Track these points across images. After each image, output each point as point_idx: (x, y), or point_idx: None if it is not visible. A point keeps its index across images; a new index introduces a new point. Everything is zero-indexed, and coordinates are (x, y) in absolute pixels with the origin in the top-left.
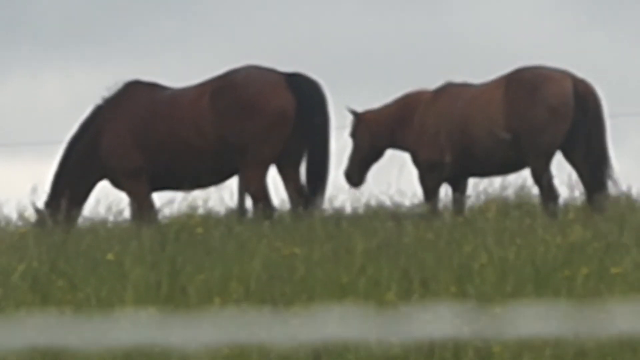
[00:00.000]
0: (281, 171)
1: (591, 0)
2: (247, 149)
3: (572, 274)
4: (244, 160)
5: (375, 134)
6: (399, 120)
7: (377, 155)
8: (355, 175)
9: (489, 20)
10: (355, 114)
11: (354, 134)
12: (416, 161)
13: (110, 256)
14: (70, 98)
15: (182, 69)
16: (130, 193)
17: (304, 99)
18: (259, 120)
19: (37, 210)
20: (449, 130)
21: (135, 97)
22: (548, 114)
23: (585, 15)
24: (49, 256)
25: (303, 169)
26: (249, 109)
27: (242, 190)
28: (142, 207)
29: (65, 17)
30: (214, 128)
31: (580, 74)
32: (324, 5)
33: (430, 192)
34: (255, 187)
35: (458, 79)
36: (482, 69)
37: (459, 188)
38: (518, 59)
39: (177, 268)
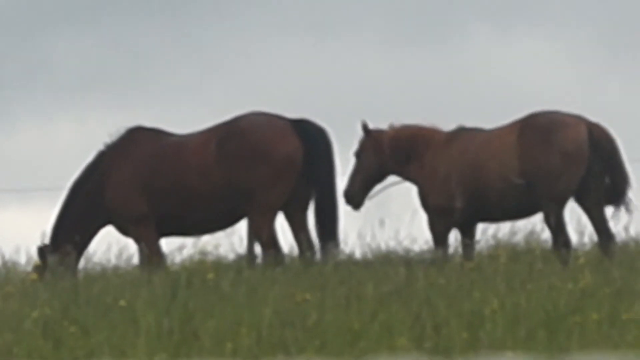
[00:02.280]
0: (288, 217)
1: (608, 44)
2: (254, 195)
3: (584, 320)
4: (251, 207)
5: (384, 156)
6: (410, 151)
7: (381, 177)
8: (357, 196)
9: (504, 65)
10: (367, 131)
11: (359, 153)
12: (426, 206)
13: (122, 302)
14: (85, 145)
15: (197, 115)
16: (137, 239)
17: (310, 144)
18: (266, 166)
19: (41, 252)
20: (461, 176)
21: (139, 143)
22: (563, 160)
23: (602, 60)
24: (61, 302)
25: (312, 216)
26: (256, 155)
27: (251, 236)
28: (150, 253)
29: (80, 64)
30: (220, 174)
31: (597, 119)
32: (333, 51)
33: (439, 237)
34: (263, 234)
35: (471, 123)
36: (496, 114)
37: (468, 233)
38: (533, 104)
39: (188, 314)
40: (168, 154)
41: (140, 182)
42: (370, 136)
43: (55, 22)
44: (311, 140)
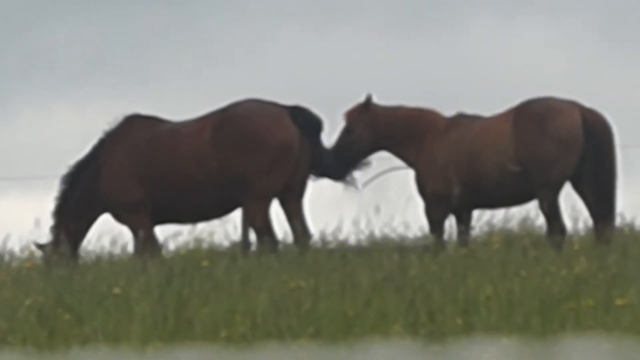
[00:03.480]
0: (283, 204)
1: (606, 33)
2: (249, 182)
3: (578, 306)
4: (246, 194)
5: (381, 132)
6: (409, 130)
7: (371, 152)
8: (343, 169)
9: (504, 53)
10: (368, 104)
11: (353, 126)
12: (423, 192)
13: (116, 290)
14: (84, 133)
15: (198, 104)
16: (131, 227)
17: (306, 132)
18: (262, 153)
19: (39, 247)
20: (459, 163)
21: (135, 130)
22: (557, 146)
23: (600, 48)
24: (55, 290)
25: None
26: (252, 142)
27: (246, 223)
28: (145, 241)
29: (79, 52)
30: (215, 161)
31: (594, 104)
32: (334, 39)
33: (436, 224)
34: (258, 221)
35: (472, 111)
36: (496, 101)
37: (463, 220)
38: (533, 92)
39: (183, 301)
40: (163, 141)
41: (135, 169)
42: (370, 111)
43: (54, 10)
44: (307, 127)
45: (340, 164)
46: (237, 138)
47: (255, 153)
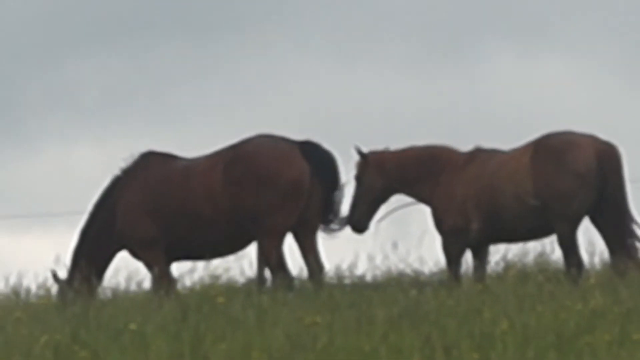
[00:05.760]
0: (298, 239)
1: (624, 66)
2: (261, 219)
3: (594, 341)
4: (258, 230)
5: (391, 175)
6: (422, 169)
7: (384, 198)
8: (363, 219)
9: (526, 87)
10: (363, 155)
11: (360, 177)
12: (440, 228)
13: (132, 326)
14: (106, 169)
15: (219, 139)
16: (146, 263)
17: (318, 167)
18: (273, 190)
19: (58, 280)
20: (478, 197)
21: (149, 167)
22: (575, 180)
23: (618, 81)
24: (71, 327)
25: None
26: (262, 179)
27: (262, 259)
28: (160, 277)
29: (102, 87)
30: (227, 198)
31: (612, 138)
32: (356, 73)
33: (453, 259)
34: (271, 258)
35: (493, 145)
36: (518, 135)
37: (479, 254)
38: (554, 126)
39: (199, 338)
40: (175, 179)
41: (148, 206)
42: (370, 158)
43: (76, 46)
44: (319, 162)
45: (358, 214)
46: (247, 176)
47: (266, 190)
